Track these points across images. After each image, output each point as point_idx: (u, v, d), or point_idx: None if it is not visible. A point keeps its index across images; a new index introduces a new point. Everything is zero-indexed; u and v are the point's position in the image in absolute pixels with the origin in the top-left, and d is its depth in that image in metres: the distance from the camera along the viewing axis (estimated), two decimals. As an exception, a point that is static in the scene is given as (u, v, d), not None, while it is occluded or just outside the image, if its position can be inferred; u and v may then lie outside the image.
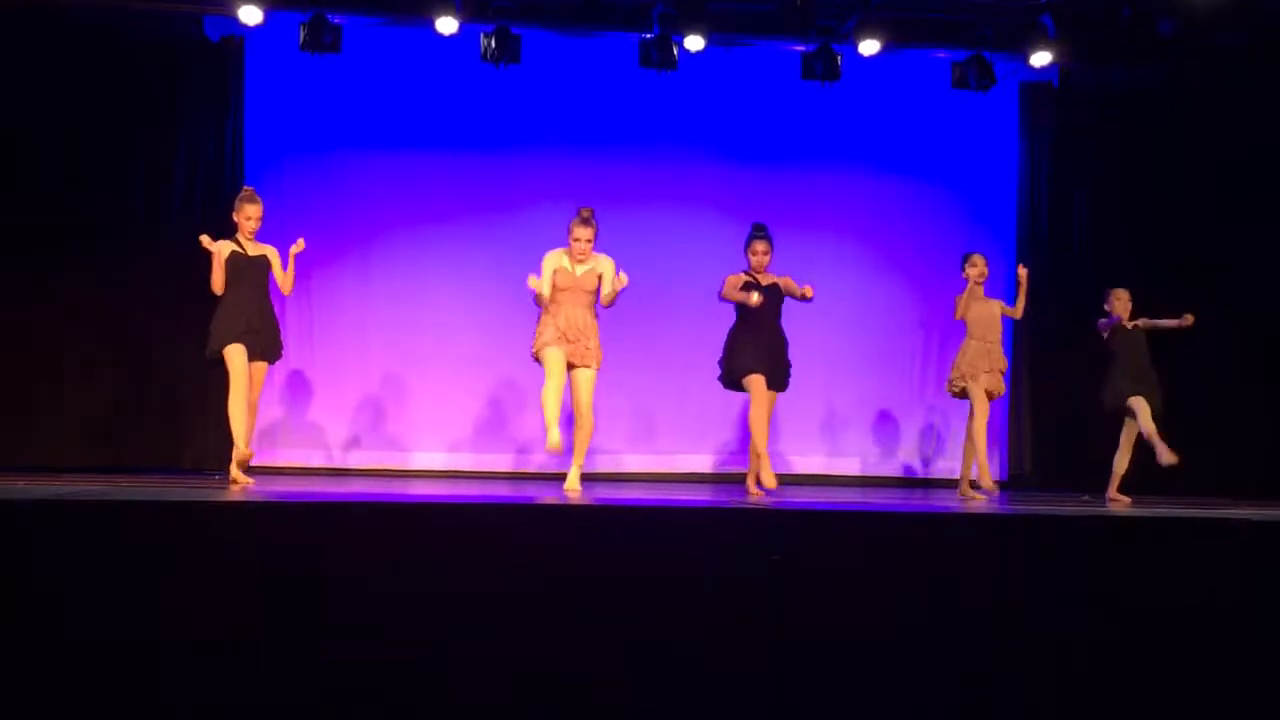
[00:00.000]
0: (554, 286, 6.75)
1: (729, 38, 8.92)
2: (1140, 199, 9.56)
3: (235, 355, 6.74)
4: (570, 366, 6.72)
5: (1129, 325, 7.75)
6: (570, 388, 6.75)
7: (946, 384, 7.71)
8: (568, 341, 6.70)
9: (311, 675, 4.05)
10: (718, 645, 4.24)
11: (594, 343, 6.77)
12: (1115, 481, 7.69)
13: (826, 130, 9.57)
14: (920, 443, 9.61)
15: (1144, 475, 7.67)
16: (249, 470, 6.93)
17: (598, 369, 6.77)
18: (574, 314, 6.73)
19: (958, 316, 7.64)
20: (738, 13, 8.85)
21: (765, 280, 7.29)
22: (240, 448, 6.75)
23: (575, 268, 6.80)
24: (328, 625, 4.08)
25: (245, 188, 7.24)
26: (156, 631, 3.99)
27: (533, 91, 9.25)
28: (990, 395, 7.53)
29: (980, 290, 7.63)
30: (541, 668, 4.12)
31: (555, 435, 6.61)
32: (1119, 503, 7.43)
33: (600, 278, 6.81)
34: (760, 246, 7.31)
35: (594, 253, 6.82)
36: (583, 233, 6.76)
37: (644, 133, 9.44)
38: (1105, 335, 7.83)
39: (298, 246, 7.01)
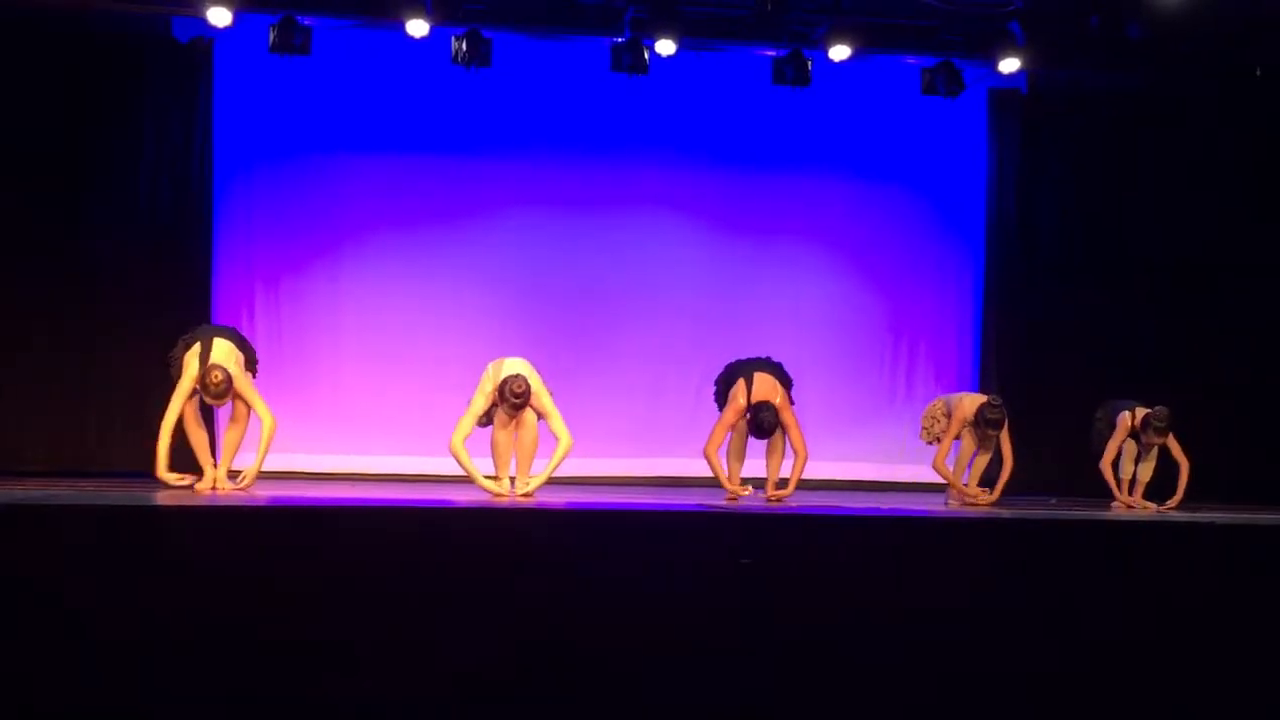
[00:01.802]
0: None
1: (700, 42, 8.91)
2: (1110, 203, 9.62)
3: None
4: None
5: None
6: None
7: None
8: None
9: (294, 684, 4.02)
10: (708, 645, 4.24)
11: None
12: (1139, 489, 7.80)
13: (797, 135, 9.58)
14: (889, 447, 9.62)
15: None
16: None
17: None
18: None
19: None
20: (709, 17, 8.85)
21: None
22: (207, 472, 6.83)
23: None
24: (309, 627, 4.06)
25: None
26: (130, 633, 3.96)
27: (504, 95, 9.22)
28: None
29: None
30: (537, 666, 4.11)
31: (505, 485, 6.70)
32: (1146, 508, 7.63)
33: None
34: None
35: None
36: (509, 411, 6.71)
37: (615, 137, 9.43)
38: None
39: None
